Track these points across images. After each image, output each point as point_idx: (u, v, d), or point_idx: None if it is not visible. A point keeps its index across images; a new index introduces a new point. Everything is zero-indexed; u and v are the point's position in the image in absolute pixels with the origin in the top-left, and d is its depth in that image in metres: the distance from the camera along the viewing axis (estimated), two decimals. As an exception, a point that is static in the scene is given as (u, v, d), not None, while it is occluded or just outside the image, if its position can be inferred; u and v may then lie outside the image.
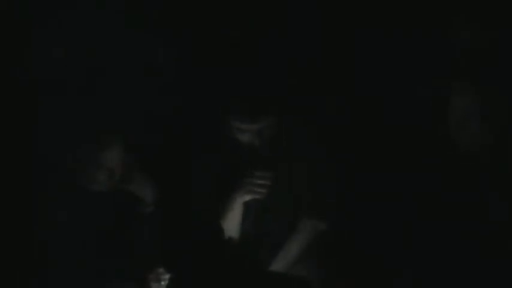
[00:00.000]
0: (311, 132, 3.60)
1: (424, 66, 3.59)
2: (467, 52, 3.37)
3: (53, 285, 3.33)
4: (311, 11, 4.01)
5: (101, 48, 3.89)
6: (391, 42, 3.81)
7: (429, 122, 3.41)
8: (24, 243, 3.35)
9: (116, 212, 3.44)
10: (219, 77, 3.77)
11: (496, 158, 3.19)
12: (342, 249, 3.72)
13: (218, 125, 3.51)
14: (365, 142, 3.86)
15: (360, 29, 3.93)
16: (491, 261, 3.14)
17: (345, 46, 3.98)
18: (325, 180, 3.55)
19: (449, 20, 3.50)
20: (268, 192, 3.47)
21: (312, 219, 3.56)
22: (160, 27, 4.00)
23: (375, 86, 3.87)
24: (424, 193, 3.28)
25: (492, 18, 3.40)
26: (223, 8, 4.01)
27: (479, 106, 3.21)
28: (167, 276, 3.26)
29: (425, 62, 3.59)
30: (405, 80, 3.70)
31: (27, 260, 3.34)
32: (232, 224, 3.47)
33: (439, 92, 3.37)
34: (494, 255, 3.14)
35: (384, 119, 3.81)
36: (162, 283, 3.38)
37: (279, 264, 3.52)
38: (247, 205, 3.51)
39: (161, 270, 3.37)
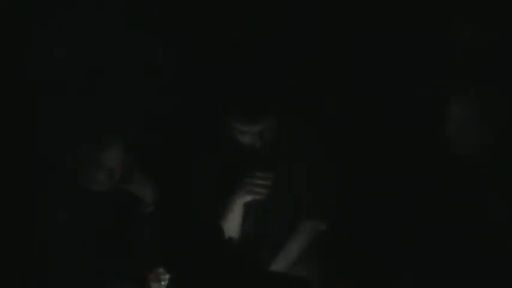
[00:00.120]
0: (311, 132, 3.60)
1: (424, 66, 3.59)
2: (467, 52, 3.37)
3: (53, 285, 3.33)
4: (311, 11, 4.01)
5: (101, 48, 3.89)
6: (391, 42, 3.81)
7: (429, 122, 3.41)
8: (24, 243, 3.35)
9: (116, 212, 3.44)
10: (219, 77, 3.77)
11: (496, 158, 3.19)
12: (342, 249, 3.72)
13: (218, 125, 3.51)
14: (365, 142, 3.85)
15: (360, 29, 3.93)
16: (491, 261, 3.14)
17: (345, 46, 3.98)
18: (325, 180, 3.55)
19: (449, 20, 3.50)
20: (269, 193, 3.47)
21: (312, 220, 3.56)
22: (160, 27, 4.00)
23: (375, 86, 3.87)
24: (424, 193, 3.28)
25: (492, 18, 3.40)
26: (223, 8, 4.01)
27: (479, 106, 3.22)
28: (167, 276, 3.26)
29: (425, 62, 3.58)
30: (405, 80, 3.70)
31: (27, 260, 3.34)
32: (232, 224, 3.47)
33: (439, 92, 3.37)
34: (494, 255, 3.15)
35: (384, 119, 3.80)
36: (162, 283, 3.38)
37: (279, 265, 3.52)
38: (247, 205, 3.51)
39: (161, 270, 3.38)
